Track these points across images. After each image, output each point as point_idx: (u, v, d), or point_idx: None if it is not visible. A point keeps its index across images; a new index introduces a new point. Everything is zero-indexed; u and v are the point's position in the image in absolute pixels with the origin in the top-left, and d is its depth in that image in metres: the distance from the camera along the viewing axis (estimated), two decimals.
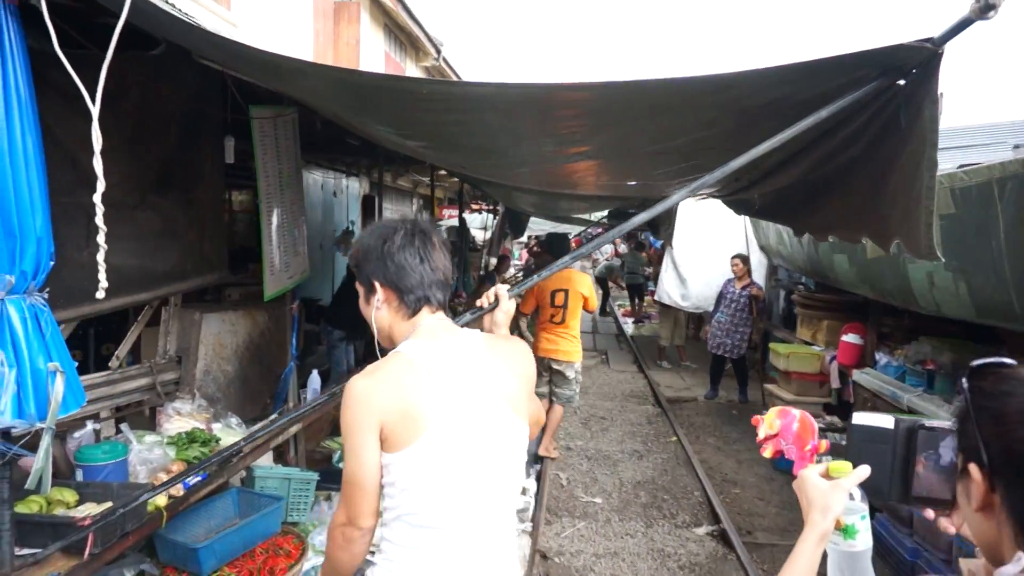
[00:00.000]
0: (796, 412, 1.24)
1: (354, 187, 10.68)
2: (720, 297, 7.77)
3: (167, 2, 2.55)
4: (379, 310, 1.55)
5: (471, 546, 1.48)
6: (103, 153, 1.75)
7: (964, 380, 0.91)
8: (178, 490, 2.99)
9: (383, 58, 13.75)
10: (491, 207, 13.53)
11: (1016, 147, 4.73)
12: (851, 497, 1.08)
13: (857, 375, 5.83)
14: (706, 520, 4.54)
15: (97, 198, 1.74)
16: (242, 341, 4.26)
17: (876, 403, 5.53)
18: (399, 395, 1.43)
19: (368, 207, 9.72)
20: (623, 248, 17.23)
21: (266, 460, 4.12)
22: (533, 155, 2.71)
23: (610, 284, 15.55)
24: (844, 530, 1.07)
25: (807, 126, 1.72)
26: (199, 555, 2.89)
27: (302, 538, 3.37)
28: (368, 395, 1.42)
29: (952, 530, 1.03)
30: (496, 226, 13.37)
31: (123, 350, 3.75)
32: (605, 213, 10.78)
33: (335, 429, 5.51)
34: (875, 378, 5.51)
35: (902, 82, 1.72)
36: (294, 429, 4.13)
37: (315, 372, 4.61)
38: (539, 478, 4.90)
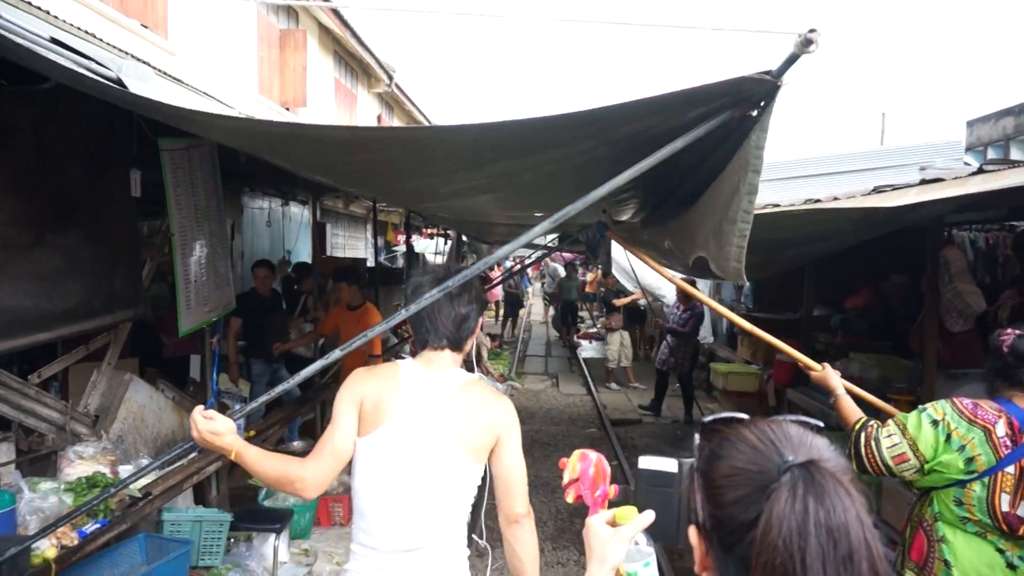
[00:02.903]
0: (593, 456, 1.21)
1: (302, 214, 10.57)
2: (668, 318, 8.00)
3: (56, 41, 2.49)
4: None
5: (389, 540, 1.77)
6: None
7: (696, 436, 0.88)
8: (72, 539, 2.87)
9: (333, 85, 13.72)
10: (442, 232, 13.52)
11: (922, 169, 4.88)
12: (636, 543, 1.05)
13: (791, 393, 5.91)
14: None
15: None
16: (165, 434, 4.13)
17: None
18: (379, 388, 1.80)
19: (321, 234, 9.66)
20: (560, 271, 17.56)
21: (185, 501, 3.99)
22: (428, 190, 2.70)
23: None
24: None
25: (663, 157, 1.73)
26: None
27: None
28: (364, 380, 1.83)
29: None
30: (450, 252, 13.34)
31: (48, 371, 3.61)
32: (555, 237, 10.85)
33: None
34: (807, 396, 5.59)
35: (754, 113, 1.75)
36: (212, 468, 4.00)
37: (237, 406, 4.50)
38: (473, 509, 4.82)
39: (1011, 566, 1.90)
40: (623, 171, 1.83)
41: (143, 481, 3.38)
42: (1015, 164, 3.76)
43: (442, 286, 1.77)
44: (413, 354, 1.97)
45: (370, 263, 9.94)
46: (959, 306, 3.93)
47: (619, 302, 9.87)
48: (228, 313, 4.76)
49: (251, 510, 4.22)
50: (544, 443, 6.87)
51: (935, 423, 1.97)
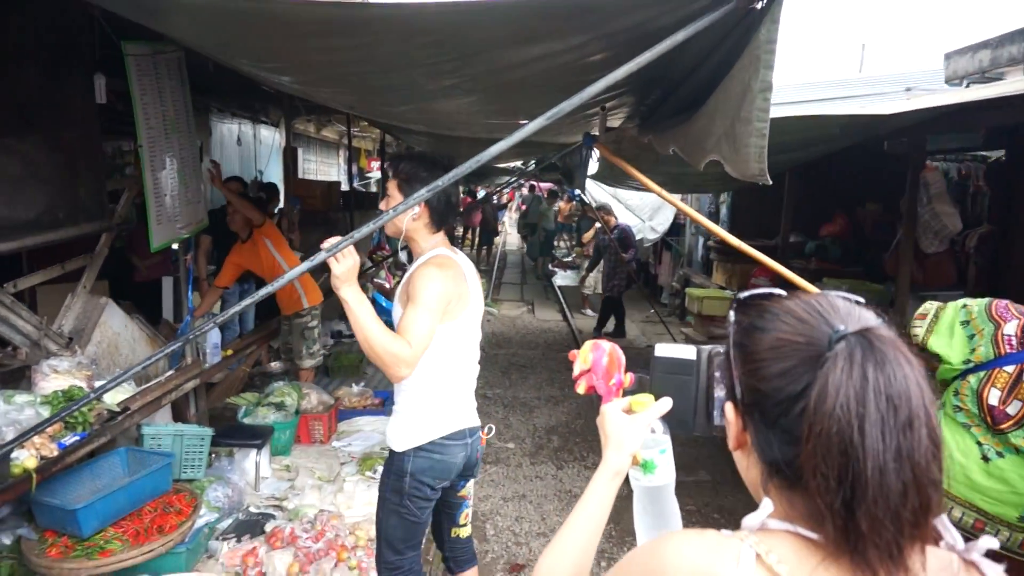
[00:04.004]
0: (606, 345, 1.19)
1: (273, 138, 10.26)
2: (600, 248, 8.39)
3: None
4: (414, 220, 2.12)
5: (468, 391, 2.28)
6: None
7: (731, 312, 0.85)
8: (52, 451, 2.84)
9: None
10: None
11: (908, 89, 4.86)
12: (652, 431, 1.04)
13: None
14: None
15: None
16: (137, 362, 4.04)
17: None
18: (459, 282, 2.11)
19: (292, 158, 9.39)
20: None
21: (163, 419, 3.98)
22: (408, 89, 2.59)
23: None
24: (643, 465, 1.04)
25: (664, 50, 1.66)
26: (78, 516, 2.76)
27: (195, 495, 3.26)
28: (449, 279, 2.07)
29: None
30: None
31: (24, 283, 3.49)
32: (533, 163, 10.71)
33: (245, 386, 5.36)
34: None
35: (758, 6, 1.69)
36: (190, 385, 3.98)
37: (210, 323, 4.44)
38: None
39: (985, 458, 1.99)
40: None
41: (121, 396, 3.35)
42: (996, 80, 3.75)
43: (452, 173, 1.87)
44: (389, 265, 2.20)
45: (344, 187, 9.74)
46: (936, 227, 3.98)
47: (586, 237, 9.92)
48: (200, 231, 4.64)
49: (231, 427, 4.23)
50: (521, 366, 6.96)
51: (964, 306, 2.11)
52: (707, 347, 1.03)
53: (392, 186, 2.13)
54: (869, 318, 0.74)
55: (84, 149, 3.48)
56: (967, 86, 3.24)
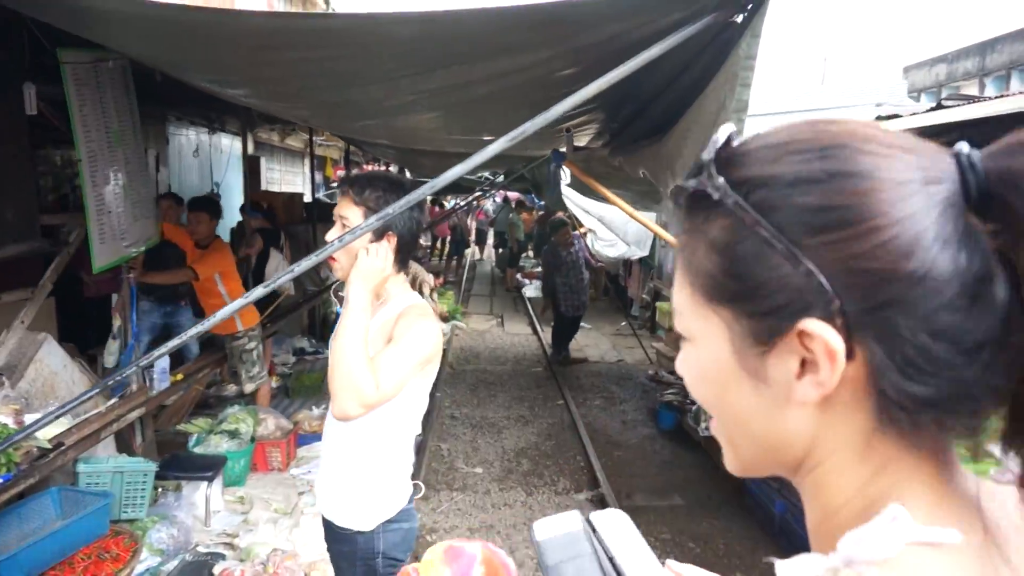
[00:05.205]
0: (476, 551, 0.85)
1: (234, 147, 9.95)
2: (558, 266, 7.80)
3: None
4: (387, 259, 1.77)
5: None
6: None
7: (718, 178, 0.46)
8: None
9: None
10: (385, 167, 13.03)
11: (878, 105, 4.82)
12: None
13: None
14: (586, 485, 4.48)
15: None
16: (78, 411, 3.76)
17: None
18: (441, 340, 1.85)
19: (254, 168, 9.09)
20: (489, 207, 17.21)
21: (107, 451, 3.72)
22: (366, 104, 2.42)
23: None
24: None
25: (640, 64, 1.52)
26: None
27: (135, 538, 3.02)
28: (439, 338, 1.81)
29: None
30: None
31: None
32: (502, 175, 10.56)
33: (199, 405, 5.11)
34: None
35: (739, 19, 1.56)
36: (135, 415, 3.73)
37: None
38: (418, 451, 4.69)
39: None
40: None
41: (54, 431, 3.10)
42: (973, 99, 3.70)
43: (404, 200, 1.65)
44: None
45: (307, 198, 9.47)
46: None
47: (527, 218, 9.56)
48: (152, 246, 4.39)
49: (180, 457, 3.98)
50: (490, 383, 6.77)
51: None
52: (576, 511, 0.76)
53: (359, 215, 1.75)
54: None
55: (12, 165, 3.24)
56: (938, 104, 3.19)
